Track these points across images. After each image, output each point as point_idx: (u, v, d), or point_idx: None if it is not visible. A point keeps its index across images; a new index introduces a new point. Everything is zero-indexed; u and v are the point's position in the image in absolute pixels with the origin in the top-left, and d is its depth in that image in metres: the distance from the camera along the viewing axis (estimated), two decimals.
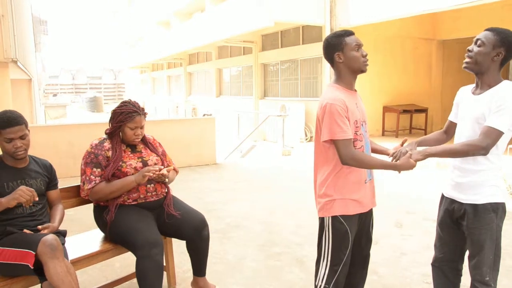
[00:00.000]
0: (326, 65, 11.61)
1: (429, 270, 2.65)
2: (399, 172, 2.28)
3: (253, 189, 6.74)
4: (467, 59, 2.26)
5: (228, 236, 4.51)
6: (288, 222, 4.95)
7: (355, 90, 2.42)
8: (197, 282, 3.18)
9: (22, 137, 2.55)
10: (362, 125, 2.36)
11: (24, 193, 2.37)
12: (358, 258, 2.55)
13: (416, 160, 2.20)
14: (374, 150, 2.56)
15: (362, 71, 2.34)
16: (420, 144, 2.49)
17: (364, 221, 2.48)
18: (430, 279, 2.67)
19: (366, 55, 2.31)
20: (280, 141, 11.25)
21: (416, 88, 13.01)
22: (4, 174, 2.55)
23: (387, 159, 2.36)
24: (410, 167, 2.20)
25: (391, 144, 2.88)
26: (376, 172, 2.63)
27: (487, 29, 2.23)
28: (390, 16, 9.91)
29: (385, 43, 11.98)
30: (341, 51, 2.31)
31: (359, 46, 2.30)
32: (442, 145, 2.42)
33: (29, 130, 2.62)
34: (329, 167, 2.35)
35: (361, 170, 2.35)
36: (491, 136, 2.11)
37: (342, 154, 2.22)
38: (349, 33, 2.34)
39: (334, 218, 2.36)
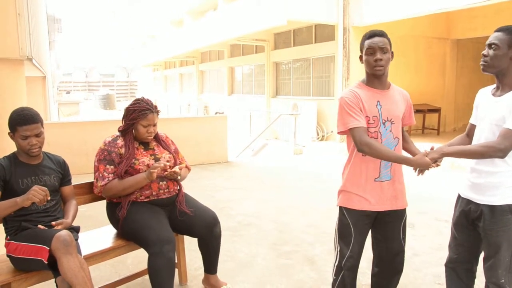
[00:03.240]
0: (339, 64, 11.56)
1: (441, 271, 2.63)
2: (415, 169, 2.34)
3: (265, 188, 6.74)
4: (484, 63, 2.23)
5: (239, 234, 4.52)
6: (299, 221, 4.94)
7: (385, 89, 2.44)
8: (208, 280, 3.19)
9: (37, 135, 2.58)
10: (383, 123, 2.39)
11: (37, 193, 2.39)
12: (386, 261, 2.58)
13: (432, 159, 2.23)
14: (405, 149, 2.58)
15: (374, 75, 2.39)
16: None
17: (386, 223, 2.50)
18: (442, 280, 2.66)
19: (377, 60, 2.32)
20: (292, 140, 11.24)
21: (429, 88, 12.88)
22: (18, 170, 2.58)
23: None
24: (425, 164, 2.24)
25: None
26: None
27: (497, 30, 2.20)
28: (403, 15, 9.83)
29: (398, 42, 11.84)
30: (361, 53, 2.43)
31: (372, 49, 2.34)
32: (459, 146, 2.40)
33: (44, 128, 2.65)
34: (347, 158, 2.50)
35: (371, 167, 2.39)
36: (510, 139, 2.08)
37: (357, 140, 2.30)
38: (370, 35, 2.39)
39: (340, 208, 2.51)
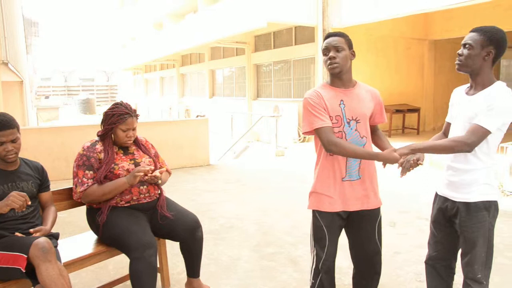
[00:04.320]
0: (319, 66, 11.64)
1: (422, 268, 2.66)
2: (384, 165, 2.35)
3: (247, 190, 6.74)
4: (458, 63, 2.28)
5: (222, 237, 4.51)
6: (282, 223, 4.95)
7: (350, 87, 2.44)
8: (191, 283, 3.17)
9: (13, 141, 2.53)
10: (347, 122, 2.39)
11: (16, 199, 2.35)
12: (363, 262, 2.57)
13: (401, 154, 2.23)
14: (380, 147, 2.59)
15: (331, 74, 2.42)
16: None
17: (359, 223, 2.49)
18: (423, 277, 2.69)
19: (330, 58, 2.36)
20: (274, 142, 11.26)
21: (409, 88, 13.07)
22: None
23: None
24: (393, 159, 2.24)
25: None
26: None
27: (472, 30, 2.24)
28: (382, 16, 9.95)
29: (378, 43, 12.03)
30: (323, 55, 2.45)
31: (327, 49, 2.38)
32: (428, 141, 2.43)
33: (20, 133, 2.61)
34: (315, 160, 2.50)
35: (337, 167, 2.39)
36: (477, 134, 2.13)
37: (324, 140, 2.30)
38: (327, 36, 2.43)
39: (313, 212, 2.49)
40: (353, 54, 2.42)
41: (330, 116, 2.35)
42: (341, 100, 2.39)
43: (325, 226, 2.43)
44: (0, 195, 2.46)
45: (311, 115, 2.34)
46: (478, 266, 2.25)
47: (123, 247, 2.73)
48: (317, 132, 2.34)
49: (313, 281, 2.51)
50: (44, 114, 27.78)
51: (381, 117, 2.57)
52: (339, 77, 2.41)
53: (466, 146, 2.13)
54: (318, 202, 2.45)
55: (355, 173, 2.41)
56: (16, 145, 2.56)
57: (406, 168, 2.32)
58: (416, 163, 2.32)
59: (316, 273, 2.48)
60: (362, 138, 2.42)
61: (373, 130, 2.61)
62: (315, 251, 2.49)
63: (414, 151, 2.25)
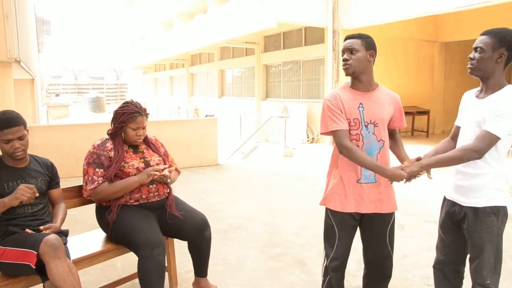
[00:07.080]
0: (328, 67, 11.61)
1: (430, 272, 2.65)
2: (390, 181, 2.35)
3: (255, 190, 6.74)
4: (471, 67, 2.25)
5: (230, 237, 4.51)
6: (290, 223, 4.94)
7: (370, 91, 2.45)
8: (198, 283, 3.18)
9: (20, 138, 2.54)
10: (365, 126, 2.39)
11: (24, 191, 2.38)
12: (375, 265, 2.58)
13: (410, 172, 2.25)
14: (394, 153, 2.60)
15: (346, 74, 2.46)
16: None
17: (371, 226, 2.50)
18: (431, 281, 2.68)
19: (344, 60, 2.41)
20: (282, 142, 11.24)
21: (418, 90, 12.99)
22: (4, 174, 2.55)
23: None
24: (399, 177, 2.26)
25: None
26: None
27: (483, 33, 2.22)
28: (392, 18, 9.91)
29: (388, 45, 11.97)
30: None
31: (343, 51, 2.44)
32: (437, 155, 2.37)
33: (27, 130, 2.61)
34: (332, 160, 2.55)
35: (352, 169, 2.41)
36: (486, 141, 2.11)
37: (337, 143, 2.37)
38: (345, 38, 2.47)
39: (326, 210, 2.54)
40: (371, 55, 2.41)
41: (348, 119, 2.39)
42: (360, 103, 2.41)
43: (336, 225, 2.46)
44: (10, 192, 2.47)
45: (328, 117, 2.39)
46: (487, 272, 2.23)
47: (132, 245, 2.74)
48: (332, 134, 2.39)
49: (323, 278, 2.56)
50: (54, 111, 27.98)
51: (400, 122, 2.58)
52: (357, 78, 2.43)
53: (475, 153, 2.12)
54: (330, 200, 2.48)
55: (371, 176, 2.42)
56: (23, 142, 2.56)
57: (412, 176, 2.31)
58: (422, 172, 2.31)
59: (326, 271, 2.53)
60: (379, 141, 2.43)
61: (392, 133, 2.62)
62: (325, 249, 2.54)
63: (423, 168, 2.26)
